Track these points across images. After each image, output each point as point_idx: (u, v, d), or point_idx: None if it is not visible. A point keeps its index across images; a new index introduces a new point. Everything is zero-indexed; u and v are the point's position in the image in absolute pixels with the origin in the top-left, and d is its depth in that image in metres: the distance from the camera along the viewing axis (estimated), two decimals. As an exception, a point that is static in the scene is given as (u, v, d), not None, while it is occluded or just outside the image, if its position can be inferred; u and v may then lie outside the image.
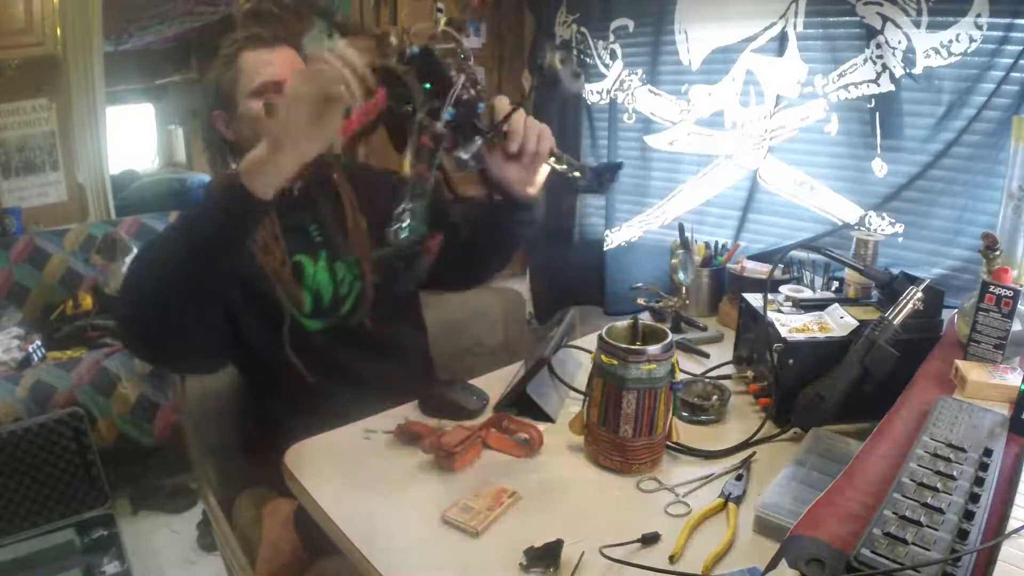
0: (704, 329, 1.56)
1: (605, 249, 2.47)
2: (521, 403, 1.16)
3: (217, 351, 1.12)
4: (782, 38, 1.91)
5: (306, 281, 1.20)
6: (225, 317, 1.13)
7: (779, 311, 1.25)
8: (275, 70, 1.15)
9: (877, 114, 1.78)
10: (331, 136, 0.89)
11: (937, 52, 1.64)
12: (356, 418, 1.15)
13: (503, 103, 0.94)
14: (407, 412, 1.18)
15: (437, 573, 0.82)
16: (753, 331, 1.27)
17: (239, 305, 1.15)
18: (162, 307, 0.92)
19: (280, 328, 1.16)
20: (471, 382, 1.25)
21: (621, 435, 0.98)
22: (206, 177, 1.10)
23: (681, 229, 1.73)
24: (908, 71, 1.70)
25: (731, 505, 0.91)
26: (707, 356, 1.42)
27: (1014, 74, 1.55)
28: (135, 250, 2.64)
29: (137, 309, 0.95)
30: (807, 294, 1.34)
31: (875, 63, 1.75)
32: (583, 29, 2.38)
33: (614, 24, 2.29)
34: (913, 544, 0.60)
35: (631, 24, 2.25)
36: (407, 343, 1.35)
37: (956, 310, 1.21)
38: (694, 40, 2.11)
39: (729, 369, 1.35)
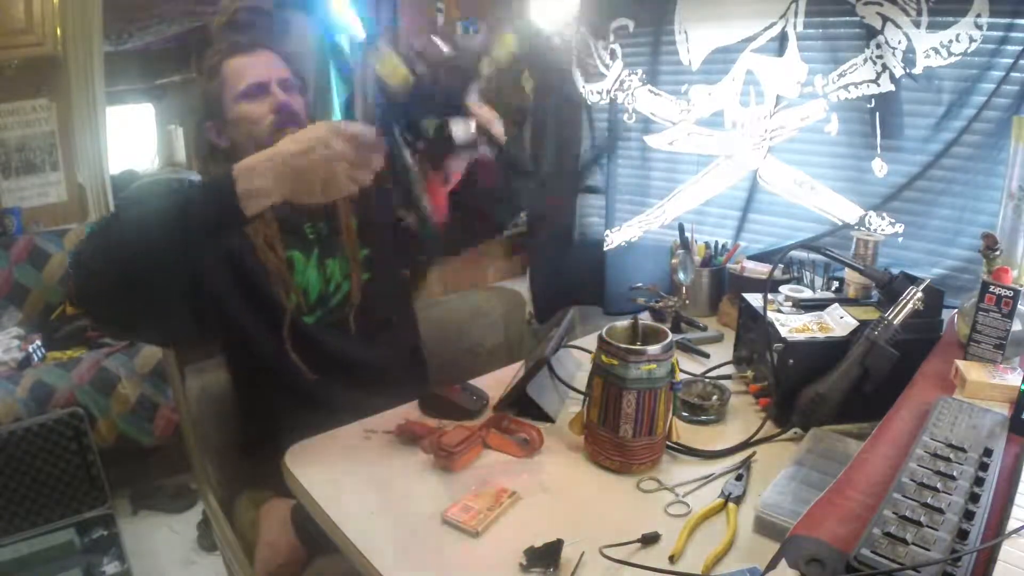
0: (704, 329, 1.56)
1: (605, 249, 2.47)
2: (521, 403, 1.16)
3: (174, 327, 1.11)
4: (782, 38, 1.90)
5: (296, 277, 1.23)
6: (223, 318, 1.18)
7: (779, 311, 1.25)
8: (258, 72, 1.20)
9: (877, 114, 1.77)
10: (331, 195, 0.92)
11: (937, 52, 1.64)
12: (351, 413, 1.16)
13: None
14: (407, 412, 1.18)
15: (437, 573, 0.82)
16: (753, 331, 1.27)
17: (238, 303, 1.18)
18: (126, 276, 0.92)
19: (275, 324, 1.19)
20: (471, 382, 1.25)
21: (621, 435, 0.98)
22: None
23: (681, 229, 1.73)
24: (908, 71, 1.70)
25: (731, 505, 0.91)
26: (707, 356, 1.42)
27: (1014, 74, 1.55)
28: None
29: (103, 274, 0.93)
30: (807, 294, 1.34)
31: (875, 63, 1.74)
32: (583, 29, 2.37)
33: (614, 24, 2.28)
34: (913, 544, 0.60)
35: (631, 24, 2.25)
36: (397, 339, 1.37)
37: (956, 310, 1.21)
38: (694, 40, 2.11)
39: (729, 369, 1.35)
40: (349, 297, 1.27)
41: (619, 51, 2.30)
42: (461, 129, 0.91)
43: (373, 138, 0.90)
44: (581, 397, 1.06)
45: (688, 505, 0.93)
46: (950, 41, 1.62)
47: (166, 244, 0.92)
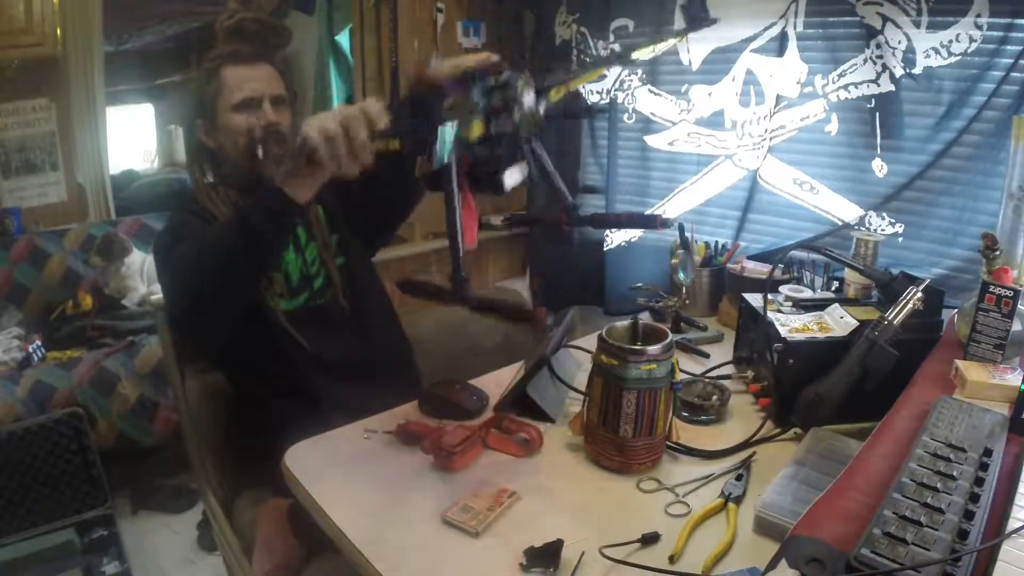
0: (704, 329, 1.56)
1: (605, 249, 2.47)
2: (521, 403, 1.16)
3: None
4: (782, 38, 1.91)
5: None
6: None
7: (779, 311, 1.25)
8: (255, 86, 1.23)
9: (877, 114, 1.78)
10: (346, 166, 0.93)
11: (937, 52, 1.64)
12: (346, 406, 1.17)
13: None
14: (407, 412, 1.18)
15: (437, 573, 0.82)
16: (753, 331, 1.27)
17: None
18: (215, 290, 1.06)
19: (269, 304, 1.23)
20: (471, 382, 1.25)
21: (621, 435, 0.98)
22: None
23: (681, 229, 1.73)
24: (908, 71, 1.70)
25: (731, 505, 0.91)
26: (707, 356, 1.42)
27: (1014, 74, 1.55)
28: (133, 248, 2.65)
29: (192, 291, 1.09)
30: (807, 294, 1.34)
31: (875, 63, 1.75)
32: (583, 29, 2.38)
33: (614, 24, 2.29)
34: (913, 544, 0.60)
35: (631, 24, 2.25)
36: (380, 324, 1.40)
37: (956, 310, 1.21)
38: (694, 40, 2.11)
39: (729, 369, 1.35)
40: (330, 281, 1.31)
41: (619, 51, 2.30)
42: (514, 177, 0.90)
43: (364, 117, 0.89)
44: (581, 397, 1.06)
45: (688, 505, 0.93)
46: (950, 41, 1.62)
47: (242, 261, 1.03)
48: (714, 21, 0.93)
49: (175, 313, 1.25)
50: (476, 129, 0.85)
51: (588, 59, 2.38)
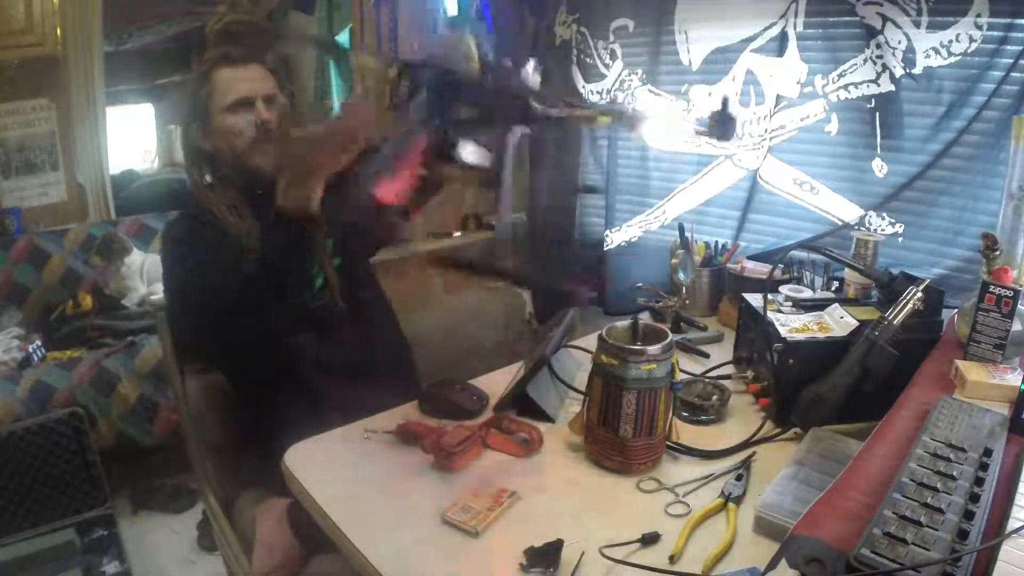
0: (704, 329, 1.56)
1: (605, 249, 2.47)
2: (521, 403, 1.16)
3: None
4: (782, 38, 1.90)
5: None
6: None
7: (779, 311, 1.25)
8: (246, 87, 1.24)
9: (877, 114, 1.77)
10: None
11: (937, 52, 1.64)
12: (344, 405, 1.17)
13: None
14: (407, 412, 1.18)
15: (437, 573, 0.82)
16: (753, 331, 1.27)
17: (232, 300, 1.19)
18: (228, 319, 1.09)
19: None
20: (471, 382, 1.25)
21: (621, 435, 0.98)
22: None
23: (681, 229, 1.73)
24: (908, 71, 1.70)
25: (731, 505, 0.91)
26: (707, 356, 1.42)
27: (1014, 74, 1.55)
28: (133, 248, 2.65)
29: (208, 315, 1.12)
30: (807, 294, 1.34)
31: (875, 63, 1.74)
32: (583, 29, 2.37)
33: (614, 24, 2.28)
34: (913, 544, 0.60)
35: (631, 24, 2.25)
36: (379, 324, 1.40)
37: (956, 310, 1.21)
38: (694, 40, 2.11)
39: (729, 369, 1.35)
40: (329, 280, 1.31)
41: (619, 51, 2.30)
42: (471, 154, 0.89)
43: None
44: (581, 397, 1.06)
45: (688, 505, 0.93)
46: (950, 41, 1.61)
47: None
48: (739, 139, 0.96)
49: (181, 326, 1.29)
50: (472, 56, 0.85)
51: (588, 59, 2.38)
